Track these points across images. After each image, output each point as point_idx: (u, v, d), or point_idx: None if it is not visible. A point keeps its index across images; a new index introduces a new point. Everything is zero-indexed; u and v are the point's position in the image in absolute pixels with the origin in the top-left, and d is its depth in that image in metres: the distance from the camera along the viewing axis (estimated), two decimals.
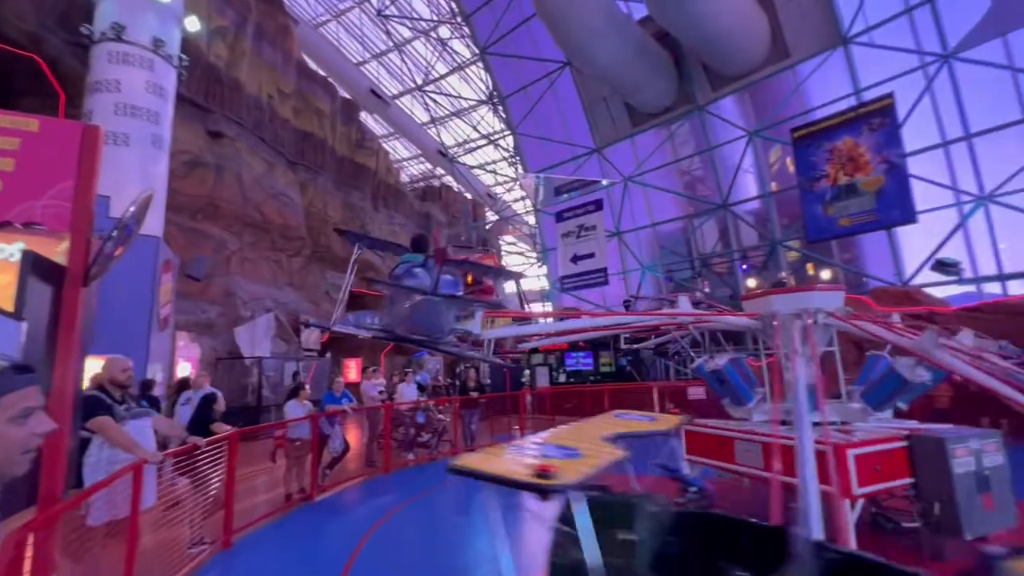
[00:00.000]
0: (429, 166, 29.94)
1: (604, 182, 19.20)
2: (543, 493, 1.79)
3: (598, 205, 17.87)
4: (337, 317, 4.88)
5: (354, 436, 9.89)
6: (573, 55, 16.23)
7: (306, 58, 20.87)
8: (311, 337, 16.89)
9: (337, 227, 17.79)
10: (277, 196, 16.68)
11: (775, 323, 5.24)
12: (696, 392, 11.19)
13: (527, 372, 16.74)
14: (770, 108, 16.48)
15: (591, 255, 17.94)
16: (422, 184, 30.30)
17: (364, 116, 24.52)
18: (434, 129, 25.00)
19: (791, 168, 14.77)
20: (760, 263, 15.96)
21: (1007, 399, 4.12)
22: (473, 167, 26.30)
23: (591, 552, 1.87)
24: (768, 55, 15.06)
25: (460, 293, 5.04)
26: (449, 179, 28.40)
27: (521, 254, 30.99)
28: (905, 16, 12.87)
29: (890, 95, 12.15)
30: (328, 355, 17.24)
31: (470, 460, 2.31)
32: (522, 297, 14.80)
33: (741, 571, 2.05)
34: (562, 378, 16.92)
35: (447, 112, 25.09)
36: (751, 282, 16.06)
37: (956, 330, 5.71)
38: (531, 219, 23.95)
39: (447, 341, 4.93)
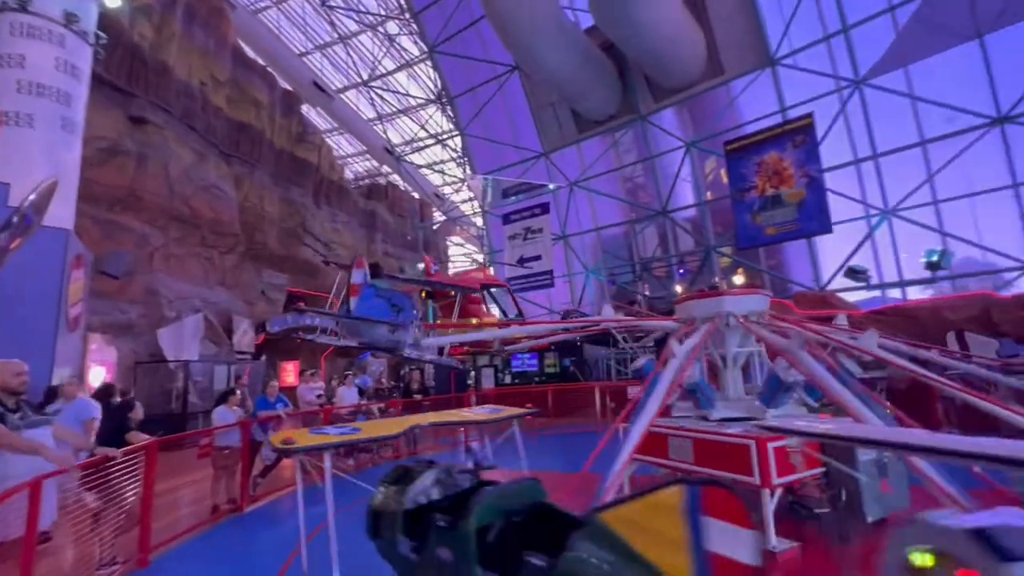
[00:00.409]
0: (375, 163, 29.24)
1: (551, 186, 19.53)
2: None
3: (545, 208, 18.15)
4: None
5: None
6: (521, 59, 16.41)
7: (243, 45, 19.81)
8: (244, 339, 16.02)
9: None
10: (208, 189, 15.70)
11: (696, 325, 5.56)
12: (635, 391, 11.58)
13: (473, 374, 16.69)
14: (706, 121, 17.42)
15: (538, 257, 18.19)
16: (367, 182, 29.55)
17: (306, 109, 23.60)
18: (380, 126, 24.45)
19: (724, 179, 15.66)
20: (696, 268, 16.80)
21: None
22: (421, 166, 25.95)
23: None
24: (705, 71, 15.91)
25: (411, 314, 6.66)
26: (396, 178, 27.87)
27: (469, 255, 30.94)
28: (824, 43, 14.00)
29: (810, 115, 13.18)
30: (263, 358, 16.41)
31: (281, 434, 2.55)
32: (516, 302, 14.80)
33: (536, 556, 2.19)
34: (508, 379, 17.01)
35: (394, 109, 24.62)
36: (679, 288, 16.87)
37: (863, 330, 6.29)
38: (479, 221, 23.95)
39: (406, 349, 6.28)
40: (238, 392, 7.02)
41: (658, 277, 18.64)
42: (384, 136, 24.40)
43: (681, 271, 16.32)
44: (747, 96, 15.74)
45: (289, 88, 21.68)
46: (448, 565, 2.51)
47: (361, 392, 10.10)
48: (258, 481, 6.97)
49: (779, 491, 4.73)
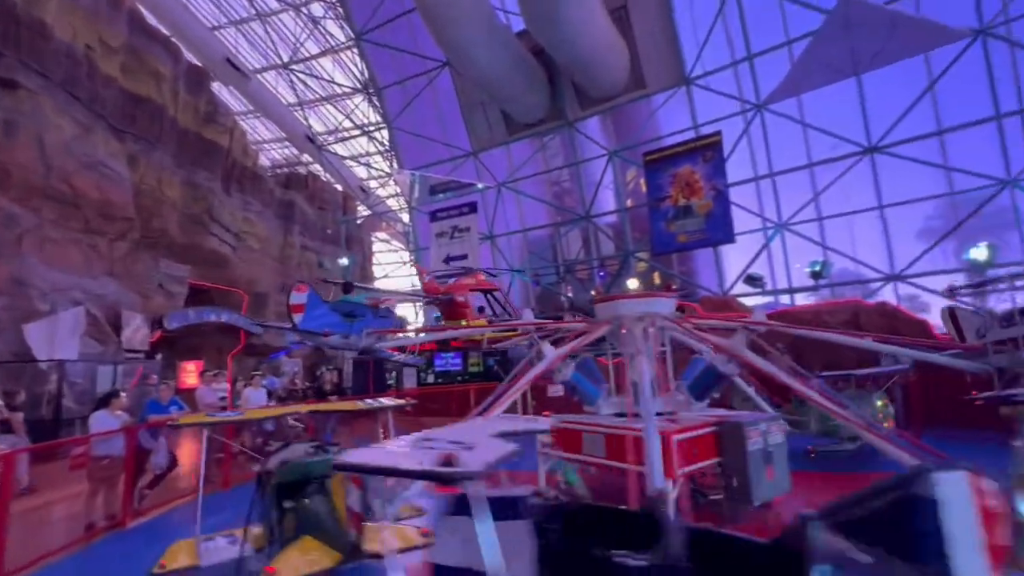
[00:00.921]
0: (295, 152, 27.62)
1: (480, 185, 19.55)
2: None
3: (473, 208, 18.13)
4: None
5: (188, 449, 8.67)
6: (452, 56, 16.27)
7: (143, 10, 17.86)
8: (136, 336, 14.45)
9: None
10: (94, 166, 13.98)
11: (617, 326, 5.84)
12: (555, 390, 11.90)
13: (394, 373, 16.28)
14: (629, 132, 18.30)
15: (464, 256, 18.13)
16: (286, 170, 27.83)
17: (217, 88, 21.77)
18: (302, 112, 23.15)
19: (644, 188, 16.54)
20: (615, 271, 17.60)
21: (792, 388, 5.23)
22: (345, 158, 24.91)
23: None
24: (628, 84, 16.70)
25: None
26: (318, 168, 26.49)
27: (395, 252, 30.16)
28: (732, 68, 15.24)
29: (719, 133, 14.30)
30: (159, 357, 14.92)
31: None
32: (504, 304, 14.60)
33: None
34: (431, 379, 16.77)
35: (317, 96, 23.42)
36: (633, 282, 17.62)
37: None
38: (405, 217, 23.41)
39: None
40: (122, 395, 6.32)
41: (581, 279, 19.30)
42: (305, 123, 23.13)
43: (602, 274, 17.03)
44: (665, 111, 16.74)
45: (198, 63, 19.89)
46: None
47: (270, 394, 9.49)
48: (145, 493, 6.31)
49: (681, 480, 5.08)
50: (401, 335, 10.55)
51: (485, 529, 1.88)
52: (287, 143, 27.10)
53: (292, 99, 23.28)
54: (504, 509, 2.33)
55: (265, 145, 28.23)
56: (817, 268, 12.43)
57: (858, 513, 1.90)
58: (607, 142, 18.48)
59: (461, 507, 2.29)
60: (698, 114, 16.07)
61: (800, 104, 14.12)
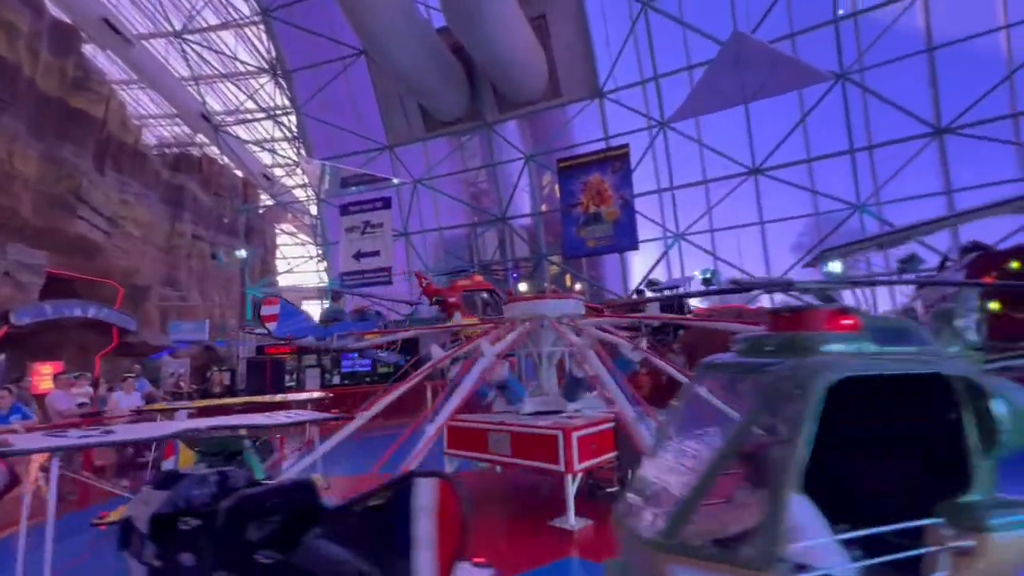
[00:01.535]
0: (188, 130, 24.98)
1: (395, 181, 19.02)
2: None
3: (387, 203, 17.59)
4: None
5: (37, 464, 7.44)
6: (369, 46, 15.68)
7: None
8: None
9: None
10: None
11: (529, 324, 5.99)
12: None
13: (296, 374, 15.33)
14: (545, 137, 18.82)
15: (376, 253, 17.52)
16: (175, 150, 25.08)
17: (92, 51, 19.11)
18: (196, 88, 21.02)
19: (558, 193, 17.09)
20: (529, 273, 18.00)
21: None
22: (247, 142, 23.01)
23: None
24: (546, 91, 17.18)
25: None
26: (215, 151, 24.19)
27: (301, 245, 28.40)
28: (640, 86, 16.26)
29: (627, 146, 15.20)
30: (3, 357, 12.75)
31: None
32: (495, 302, 13.84)
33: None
34: (336, 380, 15.99)
35: (216, 72, 21.40)
36: (523, 286, 17.98)
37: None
38: (314, 209, 22.13)
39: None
40: None
41: (496, 280, 19.49)
42: (200, 100, 21.03)
43: (515, 275, 17.34)
44: (579, 120, 17.44)
45: (66, 20, 17.29)
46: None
47: (152, 400, 8.48)
48: None
49: (580, 475, 5.30)
50: (378, 336, 11.45)
51: None
52: (178, 120, 24.46)
53: (185, 72, 21.07)
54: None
55: (151, 121, 25.26)
56: (708, 275, 13.66)
57: (371, 504, 2.35)
58: (524, 146, 18.85)
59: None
60: (609, 126, 16.94)
61: (698, 125, 15.41)
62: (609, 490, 5.81)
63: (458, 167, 20.28)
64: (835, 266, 11.10)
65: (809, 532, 1.67)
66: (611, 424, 5.68)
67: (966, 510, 1.76)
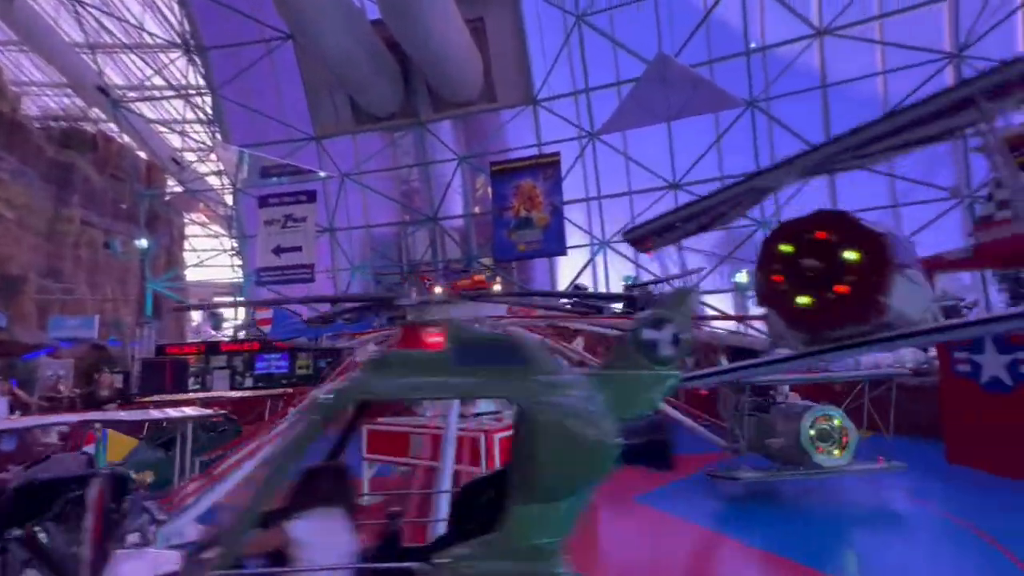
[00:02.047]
0: (82, 104, 22.31)
1: (321, 174, 18.18)
2: None
3: (311, 196, 16.80)
4: None
5: None
6: (297, 31, 14.92)
7: None
8: None
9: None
10: None
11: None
12: None
13: (200, 376, 14.17)
14: (479, 140, 18.85)
15: (297, 248, 16.66)
16: (64, 124, 22.29)
17: None
18: (92, 56, 18.89)
19: (491, 195, 17.17)
20: (459, 275, 17.90)
21: None
22: (153, 121, 21.00)
23: None
24: (481, 94, 17.22)
25: None
26: (114, 128, 21.77)
27: (215, 237, 26.28)
28: (572, 97, 16.78)
29: (558, 154, 15.63)
30: None
31: None
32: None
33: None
34: (249, 382, 14.98)
35: (117, 41, 19.34)
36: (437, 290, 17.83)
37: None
38: (229, 198, 20.59)
39: None
40: None
41: (425, 282, 19.19)
42: (97, 70, 18.92)
43: (445, 277, 17.15)
44: (513, 125, 17.65)
45: None
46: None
47: (23, 406, 7.43)
48: None
49: None
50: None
51: None
52: (69, 92, 21.82)
53: (80, 38, 18.86)
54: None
55: (34, 89, 22.35)
56: (629, 282, 14.34)
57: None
58: (458, 147, 18.76)
59: None
60: (542, 134, 17.29)
61: (625, 139, 16.15)
62: None
63: (389, 164, 19.79)
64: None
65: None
66: None
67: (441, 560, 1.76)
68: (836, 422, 6.80)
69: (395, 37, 14.72)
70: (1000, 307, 10.13)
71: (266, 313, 7.40)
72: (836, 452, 6.72)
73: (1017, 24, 12.31)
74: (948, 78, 12.65)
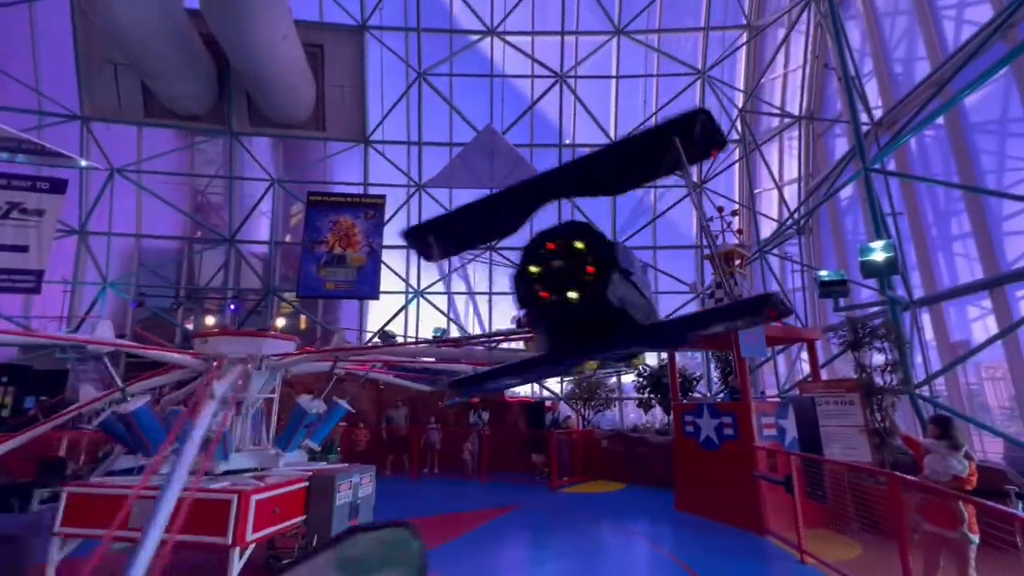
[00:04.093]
0: None
1: (82, 162, 14.65)
2: None
3: (57, 187, 13.34)
4: None
5: None
6: None
7: None
8: None
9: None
10: None
11: (216, 364, 5.09)
12: None
13: None
14: (299, 165, 17.62)
15: (24, 248, 12.87)
16: None
17: None
18: None
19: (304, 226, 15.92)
20: (253, 307, 15.84)
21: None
22: None
23: None
24: (309, 120, 16.32)
25: None
26: None
27: None
28: (405, 147, 17.08)
29: (383, 197, 15.46)
30: None
31: None
32: None
33: None
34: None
35: None
36: (207, 322, 15.58)
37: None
38: None
39: None
40: None
41: (208, 310, 16.45)
42: None
43: (233, 307, 14.94)
44: (340, 159, 17.05)
45: None
46: None
47: None
48: None
49: (252, 546, 4.56)
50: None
51: None
52: None
53: None
54: None
55: None
56: (439, 334, 14.53)
57: None
58: (274, 168, 17.21)
59: None
60: (370, 173, 17.03)
61: (451, 196, 16.88)
62: (285, 562, 5.17)
63: (184, 169, 17.06)
64: None
65: None
66: (304, 484, 5.14)
67: None
68: None
69: (214, 34, 13.18)
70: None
71: None
72: None
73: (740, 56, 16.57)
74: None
